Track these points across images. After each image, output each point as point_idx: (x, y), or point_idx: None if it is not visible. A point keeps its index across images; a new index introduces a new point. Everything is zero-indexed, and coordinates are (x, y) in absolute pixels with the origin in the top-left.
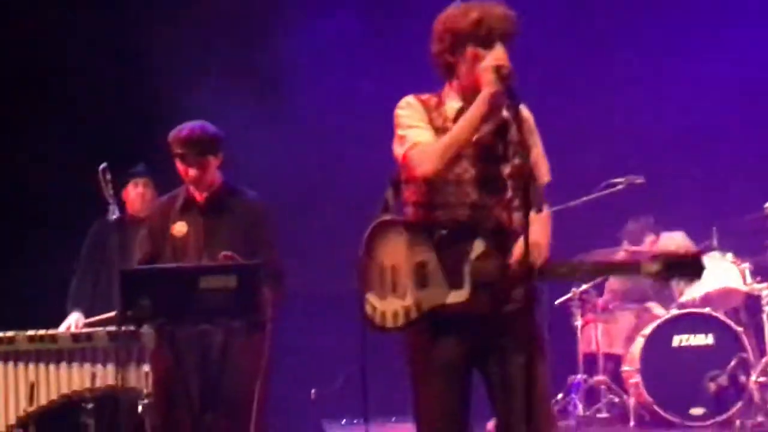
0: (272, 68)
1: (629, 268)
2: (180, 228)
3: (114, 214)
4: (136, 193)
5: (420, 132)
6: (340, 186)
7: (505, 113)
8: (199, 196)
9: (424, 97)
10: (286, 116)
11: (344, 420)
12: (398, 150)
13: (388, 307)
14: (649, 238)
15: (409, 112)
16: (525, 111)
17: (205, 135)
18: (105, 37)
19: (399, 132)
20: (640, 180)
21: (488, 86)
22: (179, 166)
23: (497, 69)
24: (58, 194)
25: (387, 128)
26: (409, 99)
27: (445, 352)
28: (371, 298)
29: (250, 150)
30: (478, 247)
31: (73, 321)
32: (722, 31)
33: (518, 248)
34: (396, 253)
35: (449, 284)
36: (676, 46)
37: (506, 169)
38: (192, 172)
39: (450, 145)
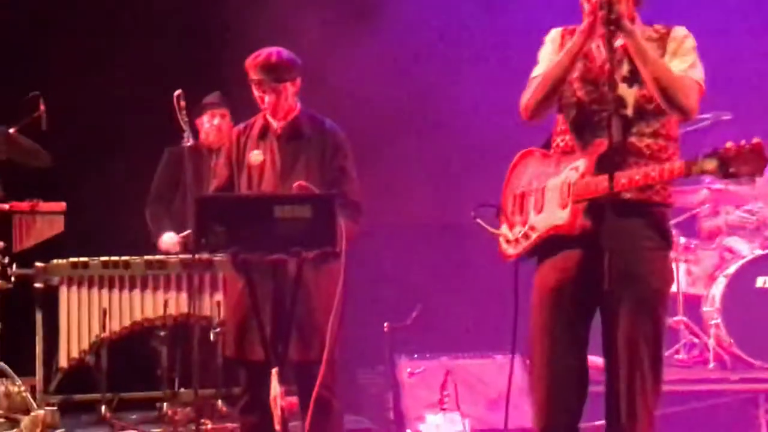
0: None
1: (687, 169)
2: (256, 156)
3: (188, 141)
4: (212, 125)
5: (539, 67)
6: (432, 116)
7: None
8: (276, 124)
9: (571, 27)
10: (375, 40)
11: (416, 354)
12: None
13: (515, 234)
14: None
15: (544, 48)
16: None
17: (282, 61)
18: None
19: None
20: (727, 116)
21: (586, 17)
22: (256, 92)
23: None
24: (133, 122)
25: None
26: (552, 32)
27: (549, 280)
28: (504, 229)
29: (339, 75)
30: (582, 166)
31: (171, 240)
32: None
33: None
34: (528, 179)
35: (560, 206)
36: None
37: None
38: (269, 98)
39: (545, 80)
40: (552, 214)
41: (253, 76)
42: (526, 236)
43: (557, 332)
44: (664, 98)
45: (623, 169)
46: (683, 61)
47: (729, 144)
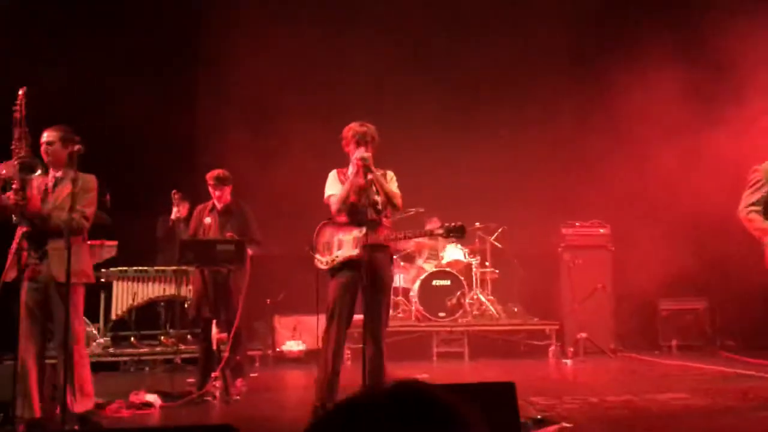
0: None
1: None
2: (208, 221)
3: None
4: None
5: (331, 189)
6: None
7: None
8: (219, 205)
9: (342, 169)
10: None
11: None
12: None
13: (324, 258)
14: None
15: (330, 179)
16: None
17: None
18: None
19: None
20: (421, 209)
21: (354, 167)
22: (210, 190)
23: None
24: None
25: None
26: (333, 172)
27: (343, 281)
28: (317, 255)
29: None
30: (362, 230)
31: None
32: None
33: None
34: (328, 235)
35: (352, 247)
36: None
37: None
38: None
39: (341, 197)
40: (349, 251)
41: (210, 182)
42: (332, 261)
43: (345, 308)
44: (390, 202)
45: (376, 232)
46: (394, 184)
47: (451, 224)
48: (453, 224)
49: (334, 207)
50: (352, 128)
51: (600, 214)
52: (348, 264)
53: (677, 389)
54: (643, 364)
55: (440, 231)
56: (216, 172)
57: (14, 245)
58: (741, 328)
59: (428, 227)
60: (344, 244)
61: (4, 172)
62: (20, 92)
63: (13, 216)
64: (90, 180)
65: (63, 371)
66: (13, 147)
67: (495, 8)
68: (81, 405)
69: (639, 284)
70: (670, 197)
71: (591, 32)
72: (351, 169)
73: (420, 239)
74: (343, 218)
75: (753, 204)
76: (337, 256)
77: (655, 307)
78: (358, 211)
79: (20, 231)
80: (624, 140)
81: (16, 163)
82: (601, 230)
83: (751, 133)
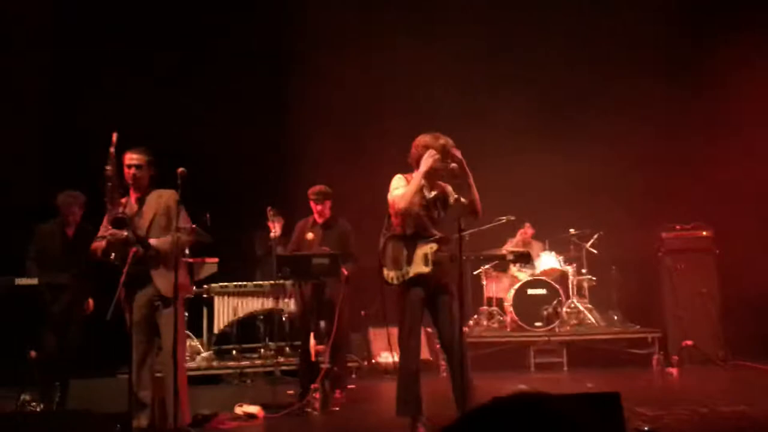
0: None
1: (499, 257)
2: (310, 236)
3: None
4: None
5: (398, 189)
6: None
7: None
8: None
9: (406, 174)
10: None
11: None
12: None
13: (393, 273)
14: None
15: (397, 181)
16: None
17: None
18: None
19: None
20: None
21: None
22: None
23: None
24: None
25: None
26: (399, 176)
27: (414, 296)
28: (386, 270)
29: None
30: (432, 246)
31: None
32: None
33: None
34: (395, 249)
35: (423, 264)
36: None
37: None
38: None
39: (406, 194)
40: (419, 267)
41: (311, 197)
42: (403, 277)
43: (417, 323)
44: (473, 209)
45: (444, 248)
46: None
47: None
48: (519, 251)
49: (400, 204)
50: (424, 141)
51: (702, 215)
52: (417, 280)
53: None
54: (756, 373)
55: (510, 257)
56: (318, 187)
57: (127, 266)
58: None
59: (519, 235)
60: (414, 259)
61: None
62: (113, 137)
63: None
64: (173, 194)
65: (173, 384)
66: (106, 199)
67: (584, 4)
68: (185, 417)
69: (749, 288)
70: None
71: (686, 24)
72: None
73: (488, 263)
74: (408, 230)
75: None
76: (407, 272)
77: (765, 312)
78: (424, 225)
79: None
80: (724, 137)
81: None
82: (704, 233)
83: None
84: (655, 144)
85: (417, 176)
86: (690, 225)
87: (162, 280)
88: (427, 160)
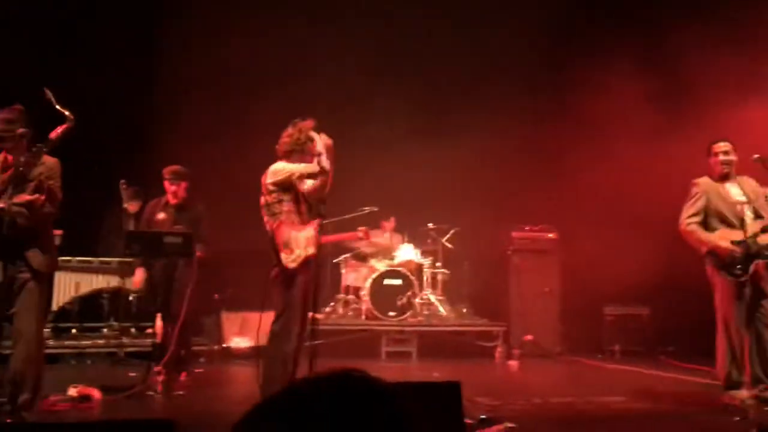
0: None
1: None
2: (161, 216)
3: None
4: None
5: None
6: None
7: None
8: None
9: None
10: None
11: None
12: None
13: (289, 256)
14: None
15: None
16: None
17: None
18: None
19: None
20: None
21: None
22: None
23: None
24: None
25: None
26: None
27: (307, 277)
28: (283, 254)
29: None
30: (316, 229)
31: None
32: None
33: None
34: (286, 233)
35: (312, 246)
36: None
37: None
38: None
39: None
40: (306, 249)
41: (166, 176)
42: (297, 258)
43: (307, 306)
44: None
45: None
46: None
47: None
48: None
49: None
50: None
51: (550, 218)
52: (308, 262)
53: (618, 393)
54: (586, 368)
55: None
56: (173, 167)
57: None
58: (681, 335)
59: (386, 228)
60: (301, 242)
61: None
62: None
63: None
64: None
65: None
66: None
67: (461, 10)
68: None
69: (585, 289)
70: (618, 204)
71: (548, 35)
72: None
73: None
74: (297, 214)
75: (692, 215)
76: (299, 255)
77: (601, 312)
78: (310, 208)
79: None
80: (576, 146)
81: None
82: (550, 235)
83: (703, 144)
84: (515, 148)
85: (323, 160)
86: (538, 226)
87: (33, 254)
88: (327, 144)
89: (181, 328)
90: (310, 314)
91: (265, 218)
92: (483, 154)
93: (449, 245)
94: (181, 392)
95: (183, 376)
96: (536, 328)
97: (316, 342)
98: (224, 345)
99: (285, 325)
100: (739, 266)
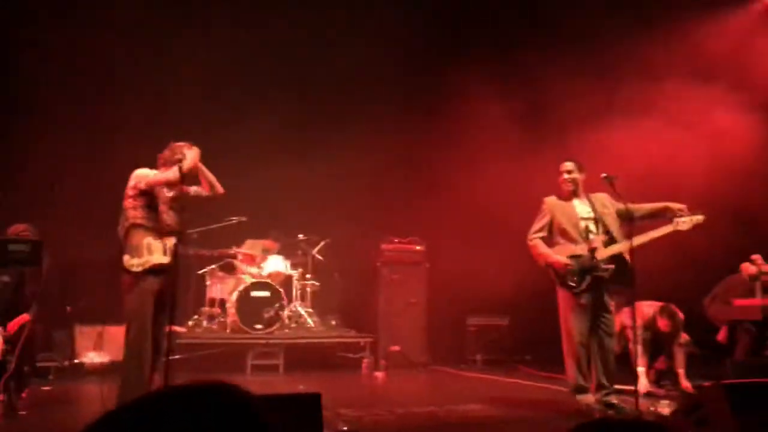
0: None
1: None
2: None
3: None
4: None
5: None
6: None
7: None
8: None
9: None
10: None
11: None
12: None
13: (134, 261)
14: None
15: None
16: None
17: None
18: None
19: None
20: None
21: None
22: None
23: None
24: None
25: None
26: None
27: (149, 285)
28: (127, 257)
29: None
30: (172, 239)
31: None
32: None
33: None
34: (139, 237)
35: (163, 254)
36: None
37: None
38: None
39: None
40: (160, 257)
41: None
42: (144, 264)
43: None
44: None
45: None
46: None
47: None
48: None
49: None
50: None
51: (418, 231)
52: (156, 270)
53: (476, 401)
54: (449, 377)
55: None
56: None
57: None
58: (538, 344)
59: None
60: (154, 248)
61: None
62: None
63: None
64: None
65: None
66: None
67: (332, 26)
68: None
69: (451, 300)
70: (482, 218)
71: (423, 57)
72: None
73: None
74: (149, 221)
75: (537, 231)
76: (147, 261)
77: (464, 323)
78: (165, 217)
79: None
80: (445, 162)
81: None
82: (418, 247)
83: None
84: (385, 162)
85: (174, 169)
86: (407, 239)
87: None
88: (194, 158)
89: (24, 342)
90: (168, 327)
91: (120, 222)
92: (354, 168)
93: (319, 257)
94: (23, 412)
95: (25, 395)
96: (403, 339)
97: (175, 357)
98: (76, 361)
99: (136, 338)
100: (573, 279)
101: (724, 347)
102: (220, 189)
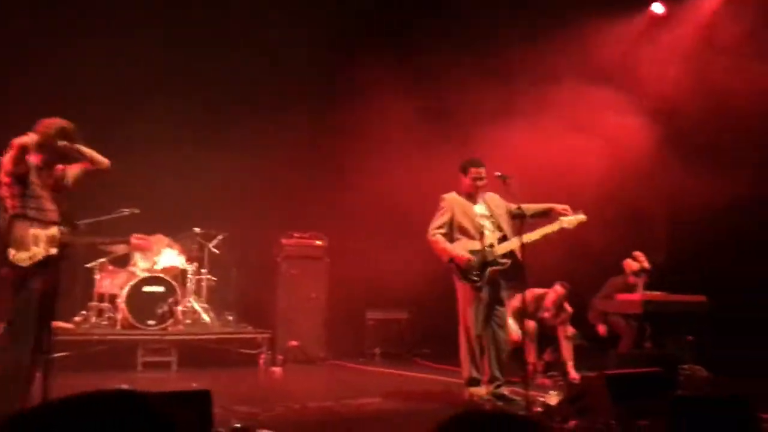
0: None
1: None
2: None
3: None
4: None
5: None
6: None
7: None
8: None
9: None
10: None
11: None
12: None
13: (22, 255)
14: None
15: None
16: None
17: None
18: None
19: None
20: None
21: None
22: None
23: None
24: None
25: None
26: None
27: (39, 280)
28: (13, 251)
29: None
30: (59, 228)
31: None
32: None
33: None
34: (23, 228)
35: (51, 245)
36: None
37: None
38: None
39: None
40: (49, 248)
41: None
42: (33, 258)
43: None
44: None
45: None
46: None
47: None
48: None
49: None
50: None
51: (320, 226)
52: (44, 263)
53: (373, 394)
54: (348, 372)
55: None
56: None
57: None
58: (435, 338)
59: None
60: (41, 239)
61: None
62: None
63: None
64: None
65: None
66: None
67: (243, 21)
68: None
69: (351, 295)
70: (383, 214)
71: (330, 53)
72: None
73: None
74: (30, 210)
75: (439, 227)
76: (36, 253)
77: (363, 317)
78: (48, 206)
79: None
80: (349, 157)
81: None
82: (318, 242)
83: (460, 160)
84: (287, 156)
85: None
86: (307, 234)
87: None
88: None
89: None
90: (52, 323)
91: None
92: (254, 161)
93: (216, 251)
94: None
95: None
96: (302, 335)
97: (59, 354)
98: None
99: (16, 336)
100: (475, 273)
101: (613, 340)
102: (103, 161)
